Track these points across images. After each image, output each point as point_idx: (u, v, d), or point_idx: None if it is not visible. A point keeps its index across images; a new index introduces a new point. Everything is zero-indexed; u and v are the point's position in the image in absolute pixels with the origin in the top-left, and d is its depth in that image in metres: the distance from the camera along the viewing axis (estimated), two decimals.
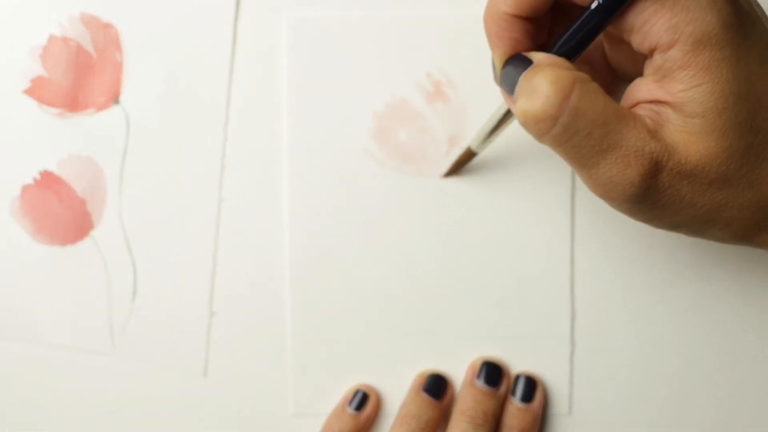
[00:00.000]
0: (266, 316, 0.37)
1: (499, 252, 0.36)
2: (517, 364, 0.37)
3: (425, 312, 0.37)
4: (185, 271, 0.37)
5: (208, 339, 0.37)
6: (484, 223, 0.36)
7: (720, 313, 0.37)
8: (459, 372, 0.37)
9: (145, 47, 0.36)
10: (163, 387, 0.38)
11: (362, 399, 0.37)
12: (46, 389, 0.38)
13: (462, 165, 0.35)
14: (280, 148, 0.37)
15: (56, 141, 0.37)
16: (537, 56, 0.26)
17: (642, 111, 0.26)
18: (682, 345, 0.37)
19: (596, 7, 0.25)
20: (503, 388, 0.36)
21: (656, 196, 0.26)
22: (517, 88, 0.26)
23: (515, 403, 0.36)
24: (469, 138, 0.35)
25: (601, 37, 0.27)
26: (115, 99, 0.37)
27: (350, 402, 0.37)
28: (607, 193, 0.26)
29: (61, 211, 0.37)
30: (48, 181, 0.37)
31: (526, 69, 0.26)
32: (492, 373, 0.36)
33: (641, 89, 0.26)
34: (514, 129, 0.32)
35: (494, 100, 0.32)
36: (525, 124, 0.26)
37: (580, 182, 0.36)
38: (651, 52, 0.25)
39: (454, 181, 0.36)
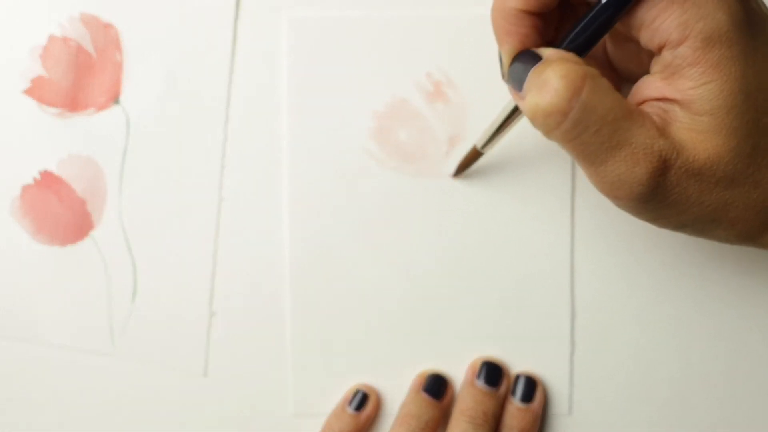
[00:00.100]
0: (266, 316, 0.37)
1: (499, 252, 0.36)
2: (517, 364, 0.37)
3: (425, 312, 0.37)
4: (185, 271, 0.37)
5: (208, 339, 0.37)
6: (485, 223, 0.36)
7: (720, 314, 0.37)
8: (459, 372, 0.37)
9: (145, 47, 0.36)
10: (163, 387, 0.38)
11: (362, 399, 0.37)
12: (46, 389, 0.38)
13: (468, 165, 0.35)
14: (280, 148, 0.37)
15: (56, 141, 0.37)
16: (546, 52, 0.26)
17: (649, 109, 0.26)
18: (683, 345, 0.37)
19: (607, 2, 0.25)
20: (503, 388, 0.36)
21: (663, 194, 0.26)
22: (527, 83, 0.26)
23: (515, 403, 0.36)
24: (470, 138, 0.35)
25: (604, 36, 0.27)
26: (115, 99, 0.37)
27: (350, 402, 0.37)
28: (614, 191, 0.26)
29: (61, 211, 0.37)
30: (48, 181, 0.37)
31: (535, 65, 0.26)
32: (492, 373, 0.36)
33: (648, 87, 0.26)
34: (516, 129, 0.32)
35: (495, 100, 0.32)
36: (534, 119, 0.26)
37: (580, 183, 0.36)
38: (660, 49, 0.25)
39: (454, 182, 0.36)
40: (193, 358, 0.38)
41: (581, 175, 0.36)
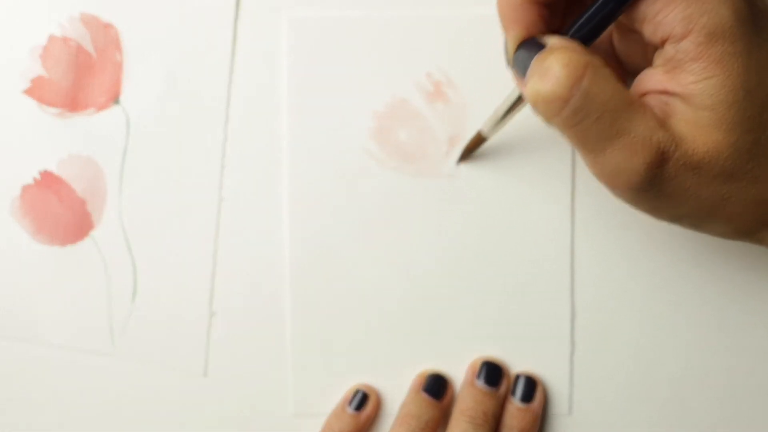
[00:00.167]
0: (266, 316, 0.37)
1: (499, 252, 0.36)
2: (517, 364, 0.37)
3: (425, 312, 0.37)
4: (185, 271, 0.37)
5: (208, 339, 0.37)
6: (484, 224, 0.36)
7: (721, 313, 0.37)
8: (459, 372, 0.37)
9: (145, 47, 0.36)
10: (163, 387, 0.38)
11: (362, 399, 0.37)
12: (46, 389, 0.38)
13: (472, 150, 0.35)
14: (280, 148, 0.37)
15: (56, 141, 0.37)
16: (551, 40, 0.26)
17: (650, 101, 0.26)
18: (683, 345, 0.37)
19: None
20: (503, 388, 0.36)
21: (660, 186, 0.26)
22: (529, 70, 0.26)
23: (515, 403, 0.36)
24: (470, 138, 0.35)
25: (610, 28, 0.27)
26: (115, 99, 0.37)
27: (350, 402, 0.37)
28: (612, 180, 0.26)
29: (61, 211, 0.37)
30: (48, 181, 0.37)
31: (538, 52, 0.26)
32: (492, 373, 0.36)
33: (650, 79, 0.26)
34: (516, 129, 0.32)
35: (494, 100, 0.32)
36: (535, 105, 0.26)
37: (580, 183, 0.36)
38: (662, 43, 0.25)
39: (454, 182, 0.36)
40: (193, 358, 0.38)
41: (581, 176, 0.36)
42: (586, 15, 0.26)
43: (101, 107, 0.37)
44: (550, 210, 0.36)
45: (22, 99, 0.37)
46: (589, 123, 0.25)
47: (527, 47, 0.27)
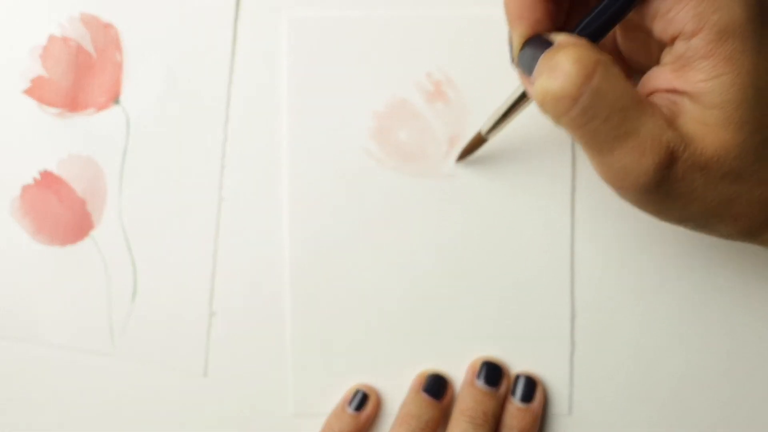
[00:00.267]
0: (266, 316, 0.37)
1: (499, 252, 0.36)
2: (517, 364, 0.37)
3: (425, 312, 0.37)
4: (185, 271, 0.37)
5: (208, 339, 0.37)
6: (484, 224, 0.36)
7: (721, 313, 0.37)
8: (459, 372, 0.37)
9: (145, 47, 0.36)
10: (163, 387, 0.38)
11: (362, 399, 0.37)
12: (46, 389, 0.38)
13: (472, 151, 0.35)
14: (280, 148, 0.37)
15: (56, 141, 0.37)
16: (558, 37, 0.26)
17: (658, 100, 0.26)
18: (683, 345, 0.37)
19: None
20: (503, 388, 0.36)
21: (668, 187, 0.25)
22: (538, 67, 0.25)
23: (515, 403, 0.36)
24: (470, 138, 0.35)
25: (618, 24, 0.27)
26: (115, 99, 0.37)
27: (350, 402, 0.37)
28: (619, 181, 0.26)
29: (61, 211, 0.37)
30: (48, 181, 0.37)
31: (545, 50, 0.25)
32: (492, 373, 0.36)
33: (658, 78, 0.26)
34: (516, 129, 0.32)
35: (495, 100, 0.32)
36: (543, 104, 0.25)
37: (580, 184, 0.36)
38: (672, 40, 0.25)
39: (454, 182, 0.36)
40: (193, 358, 0.38)
41: (581, 176, 0.36)
42: (595, 11, 0.26)
43: (101, 107, 0.37)
44: (550, 210, 0.36)
45: (22, 99, 0.37)
46: (598, 123, 0.25)
47: (533, 45, 0.26)
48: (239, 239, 0.37)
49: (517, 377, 0.36)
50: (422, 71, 0.36)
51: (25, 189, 0.37)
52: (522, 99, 0.30)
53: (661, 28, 0.25)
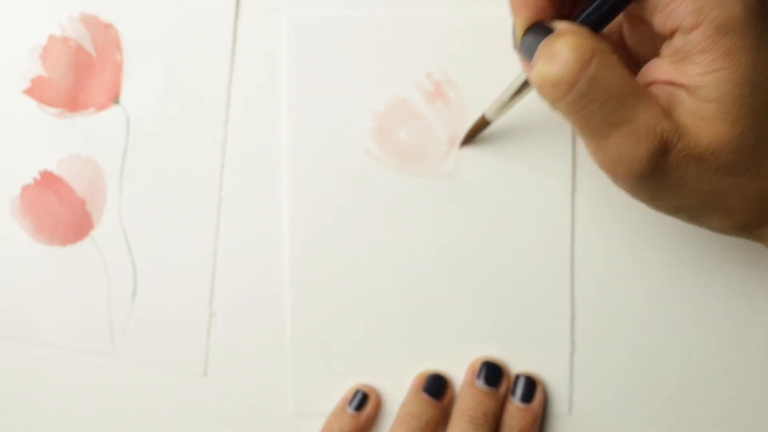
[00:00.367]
0: (266, 316, 0.37)
1: (499, 252, 0.36)
2: (517, 364, 0.37)
3: (425, 312, 0.37)
4: (185, 271, 0.37)
5: (208, 339, 0.37)
6: (484, 224, 0.36)
7: (721, 313, 0.37)
8: (459, 372, 0.37)
9: (145, 47, 0.36)
10: (163, 387, 0.38)
11: (362, 399, 0.37)
12: (46, 389, 0.38)
13: (476, 134, 0.35)
14: (280, 148, 0.37)
15: (56, 141, 0.37)
16: (559, 25, 0.26)
17: (656, 91, 0.26)
18: (683, 345, 0.37)
19: None
20: (503, 388, 0.36)
21: (661, 176, 0.26)
22: (537, 53, 0.26)
23: (515, 403, 0.36)
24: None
25: (621, 17, 0.27)
26: (115, 99, 0.37)
27: (350, 402, 0.37)
28: (613, 167, 0.26)
29: (61, 211, 0.37)
30: (48, 181, 0.37)
31: (546, 36, 0.26)
32: (492, 373, 0.36)
33: (657, 70, 0.26)
34: (516, 129, 0.32)
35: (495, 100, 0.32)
36: (541, 88, 0.26)
37: (580, 184, 0.36)
38: (671, 34, 0.25)
39: (454, 182, 0.36)
40: (193, 358, 0.38)
41: (581, 175, 0.36)
42: (597, 2, 0.26)
43: (101, 107, 0.37)
44: (550, 210, 0.36)
45: (22, 99, 0.37)
46: (594, 108, 0.25)
47: (535, 31, 0.27)
48: (239, 239, 0.37)
49: (517, 377, 0.36)
50: (422, 71, 0.36)
51: (25, 189, 0.37)
52: (526, 84, 0.30)
53: (660, 21, 0.26)
